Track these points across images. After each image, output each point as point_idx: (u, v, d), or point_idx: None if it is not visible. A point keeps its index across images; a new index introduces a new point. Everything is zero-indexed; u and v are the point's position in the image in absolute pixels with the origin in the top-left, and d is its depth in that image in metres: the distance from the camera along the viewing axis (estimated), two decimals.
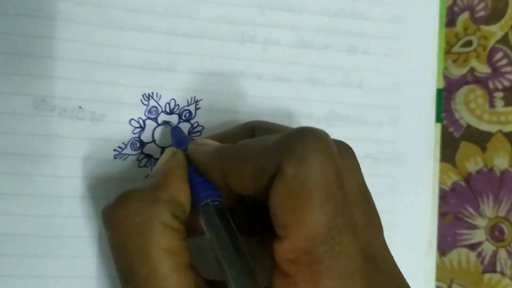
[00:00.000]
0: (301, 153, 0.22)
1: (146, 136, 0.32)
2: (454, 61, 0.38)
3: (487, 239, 0.37)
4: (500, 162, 0.38)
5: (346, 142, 0.27)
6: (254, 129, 0.29)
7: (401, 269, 0.26)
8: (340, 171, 0.23)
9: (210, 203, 0.25)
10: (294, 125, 0.34)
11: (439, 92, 0.36)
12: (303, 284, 0.22)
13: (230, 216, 0.25)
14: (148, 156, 0.32)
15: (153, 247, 0.24)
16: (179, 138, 0.31)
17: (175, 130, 0.32)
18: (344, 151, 0.26)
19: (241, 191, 0.25)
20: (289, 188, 0.22)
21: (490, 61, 0.38)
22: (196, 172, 0.26)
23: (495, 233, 0.37)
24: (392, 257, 0.26)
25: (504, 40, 0.38)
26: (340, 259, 0.22)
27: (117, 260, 0.25)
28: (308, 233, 0.22)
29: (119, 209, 0.25)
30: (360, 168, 0.27)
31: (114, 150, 0.32)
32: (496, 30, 0.38)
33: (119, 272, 0.25)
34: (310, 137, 0.23)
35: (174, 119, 0.32)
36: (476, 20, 0.38)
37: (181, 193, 0.25)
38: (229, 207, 0.27)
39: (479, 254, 0.37)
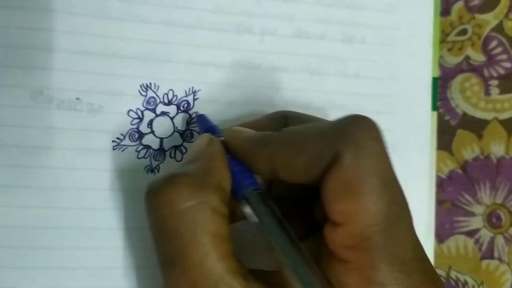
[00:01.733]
0: (358, 141, 0.23)
1: (144, 127, 0.32)
2: (449, 49, 0.38)
3: (484, 226, 0.38)
4: (497, 150, 0.38)
5: None
6: (287, 119, 0.29)
7: None
8: (390, 158, 0.23)
9: (254, 191, 0.25)
10: None
11: (435, 80, 0.36)
12: (365, 270, 0.22)
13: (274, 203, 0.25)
14: (147, 147, 0.32)
15: (204, 233, 0.23)
16: (208, 126, 0.30)
17: (201, 118, 0.32)
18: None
19: (290, 179, 0.25)
20: (348, 174, 0.22)
21: (485, 49, 0.38)
22: (234, 160, 0.26)
23: (492, 220, 0.38)
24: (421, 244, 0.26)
25: (498, 28, 0.38)
26: (399, 246, 0.22)
27: (163, 245, 0.24)
28: (368, 219, 0.22)
29: (168, 191, 0.24)
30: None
31: (113, 141, 0.32)
32: (490, 19, 0.38)
33: (163, 258, 0.24)
34: (365, 124, 0.23)
35: (172, 109, 0.32)
36: (470, 9, 0.38)
37: (225, 179, 0.25)
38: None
39: (476, 241, 0.38)
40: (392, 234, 0.22)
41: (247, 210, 0.25)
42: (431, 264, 0.25)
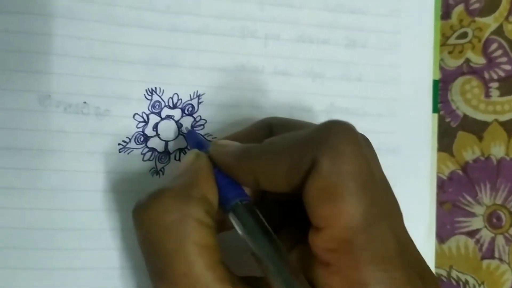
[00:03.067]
0: (334, 146, 0.23)
1: (149, 130, 0.33)
2: (450, 52, 0.39)
3: (485, 226, 0.38)
4: (497, 151, 0.38)
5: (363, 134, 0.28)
6: (272, 127, 0.30)
7: None
8: (369, 160, 0.24)
9: (239, 202, 0.26)
10: (295, 118, 0.34)
11: (436, 83, 0.37)
12: (346, 271, 0.22)
13: (260, 214, 0.25)
14: (152, 149, 0.33)
15: (189, 244, 0.24)
16: (197, 141, 0.31)
17: (190, 134, 0.32)
18: (364, 141, 0.27)
19: (273, 189, 0.25)
20: (326, 180, 0.23)
21: (485, 52, 0.39)
22: (221, 173, 0.27)
23: (493, 220, 0.38)
24: (413, 242, 0.26)
25: (498, 31, 0.39)
26: (380, 245, 0.22)
27: (151, 258, 0.25)
28: (348, 222, 0.22)
29: (153, 206, 0.25)
30: (377, 157, 0.27)
31: (119, 144, 0.32)
32: (490, 22, 0.39)
33: (152, 271, 0.25)
34: (340, 129, 0.24)
35: (177, 113, 0.33)
36: (470, 12, 0.39)
37: (211, 192, 0.26)
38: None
39: (477, 241, 0.38)
40: (373, 235, 0.22)
41: (234, 220, 0.25)
42: (420, 259, 0.26)
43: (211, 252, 0.24)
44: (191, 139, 0.32)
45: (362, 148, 0.24)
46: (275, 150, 0.25)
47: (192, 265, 0.23)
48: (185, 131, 0.33)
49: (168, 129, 0.33)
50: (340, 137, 0.23)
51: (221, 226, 0.27)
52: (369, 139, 0.27)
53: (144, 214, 0.25)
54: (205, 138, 0.33)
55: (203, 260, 0.24)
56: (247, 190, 0.27)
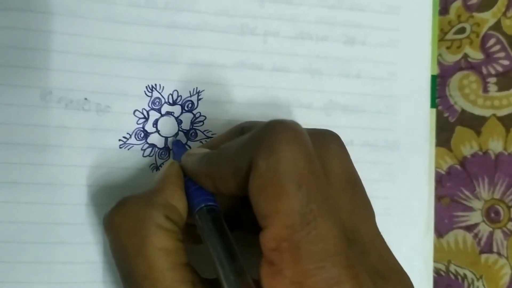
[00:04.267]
0: (270, 145, 0.23)
1: (150, 126, 0.33)
2: (448, 48, 0.39)
3: (483, 221, 0.38)
4: (495, 146, 0.39)
5: (332, 131, 0.28)
6: (244, 130, 0.30)
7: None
8: (312, 157, 0.24)
9: (204, 207, 0.26)
10: (294, 115, 0.35)
11: (434, 78, 0.37)
12: (286, 271, 0.22)
13: (223, 218, 0.26)
14: (152, 145, 0.33)
15: (148, 246, 0.25)
16: (179, 153, 0.31)
17: (175, 144, 0.33)
18: (328, 139, 0.27)
19: (228, 192, 0.26)
20: (263, 180, 0.23)
21: (483, 47, 0.39)
22: (191, 181, 0.27)
23: (491, 215, 0.38)
24: (382, 239, 0.27)
25: (496, 26, 0.39)
26: (318, 243, 0.22)
27: (118, 263, 0.26)
28: (284, 221, 0.22)
29: (117, 213, 0.26)
30: (347, 154, 0.27)
31: (119, 140, 0.32)
32: (488, 17, 0.39)
33: (121, 275, 0.26)
34: (278, 128, 0.24)
35: (177, 109, 0.33)
36: (468, 8, 0.39)
37: (176, 198, 0.27)
38: (233, 208, 0.28)
39: (475, 236, 0.38)
40: (311, 233, 0.22)
41: (197, 224, 0.26)
42: (387, 257, 0.26)
43: (171, 254, 0.25)
44: (176, 149, 0.33)
45: (303, 144, 0.23)
46: (223, 155, 0.26)
47: (151, 268, 0.24)
48: (173, 141, 0.33)
49: (168, 125, 0.33)
50: (276, 136, 0.23)
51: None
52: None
53: (110, 221, 0.26)
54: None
55: (163, 262, 0.24)
56: (223, 196, 0.27)
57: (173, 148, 0.33)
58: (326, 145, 0.26)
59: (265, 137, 0.24)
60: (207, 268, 0.25)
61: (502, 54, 0.39)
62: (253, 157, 0.23)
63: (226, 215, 0.26)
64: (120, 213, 0.26)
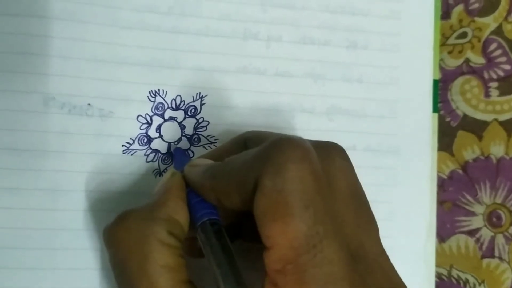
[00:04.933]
0: (277, 163, 0.22)
1: (153, 131, 0.33)
2: (450, 52, 0.39)
3: (485, 225, 0.38)
4: (497, 150, 0.39)
5: (336, 143, 0.27)
6: (246, 141, 0.29)
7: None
8: (319, 176, 0.23)
9: (207, 221, 0.26)
10: (296, 119, 0.35)
11: (435, 83, 0.37)
12: None
13: (226, 233, 0.25)
14: (155, 151, 0.33)
15: (150, 264, 0.24)
16: (180, 160, 0.31)
17: (176, 152, 0.33)
18: (333, 153, 0.26)
19: (232, 207, 0.25)
20: (268, 199, 0.22)
21: (484, 52, 0.39)
22: (193, 193, 0.27)
23: (493, 219, 0.38)
24: (386, 256, 0.26)
25: (498, 31, 0.39)
26: (324, 266, 0.22)
27: (118, 278, 0.26)
28: (290, 242, 0.22)
29: (118, 228, 0.26)
30: (352, 168, 0.27)
31: (122, 145, 0.32)
32: (490, 22, 0.39)
33: None
34: (286, 146, 0.23)
35: (180, 115, 0.33)
36: (470, 12, 0.39)
37: (178, 212, 0.26)
38: (237, 221, 0.28)
39: (477, 240, 0.38)
40: (317, 256, 0.22)
41: (200, 238, 0.26)
42: (391, 275, 0.25)
43: (173, 272, 0.24)
44: (177, 156, 0.32)
45: (310, 163, 0.23)
46: (228, 169, 0.25)
47: (153, 284, 0.24)
48: (173, 149, 0.33)
49: (171, 131, 0.33)
50: (284, 154, 0.23)
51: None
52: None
53: (110, 235, 0.26)
54: (190, 156, 0.33)
55: (165, 280, 0.24)
56: (227, 210, 0.27)
57: (174, 155, 0.33)
58: (331, 158, 0.26)
59: (272, 154, 0.23)
60: (204, 283, 0.25)
61: (503, 59, 0.39)
62: (259, 175, 0.23)
63: (227, 226, 0.26)
64: (121, 228, 0.26)
